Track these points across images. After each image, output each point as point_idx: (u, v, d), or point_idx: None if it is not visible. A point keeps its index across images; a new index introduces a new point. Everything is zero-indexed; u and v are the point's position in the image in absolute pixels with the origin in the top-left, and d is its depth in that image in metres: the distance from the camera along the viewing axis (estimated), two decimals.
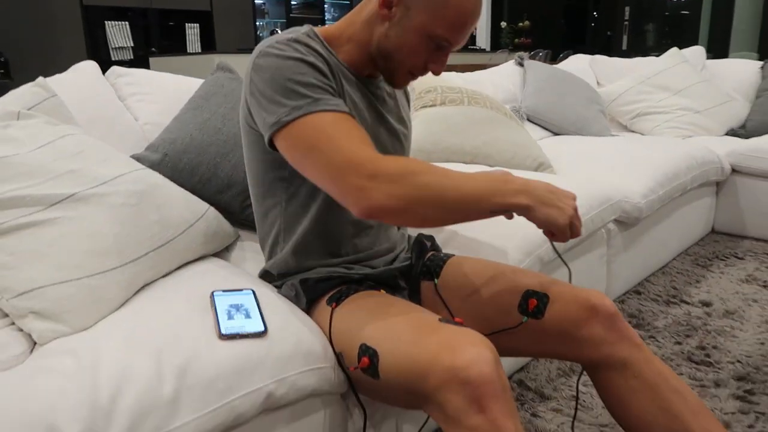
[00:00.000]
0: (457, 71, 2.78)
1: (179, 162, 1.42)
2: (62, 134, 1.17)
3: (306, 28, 1.08)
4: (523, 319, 1.07)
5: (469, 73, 2.80)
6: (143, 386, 0.81)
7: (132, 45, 6.38)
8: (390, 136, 1.18)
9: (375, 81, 1.16)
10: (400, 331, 0.92)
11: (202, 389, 0.85)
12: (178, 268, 1.21)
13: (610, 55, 3.50)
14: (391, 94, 1.22)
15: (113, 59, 6.20)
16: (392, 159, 0.94)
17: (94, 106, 1.51)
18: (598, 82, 3.33)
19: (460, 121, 2.09)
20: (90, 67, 1.62)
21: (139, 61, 6.30)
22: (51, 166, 1.07)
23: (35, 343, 0.94)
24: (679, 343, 1.74)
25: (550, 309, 1.06)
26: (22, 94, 1.23)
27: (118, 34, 6.30)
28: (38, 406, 0.75)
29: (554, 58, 4.86)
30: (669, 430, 1.01)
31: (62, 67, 1.60)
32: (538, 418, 1.41)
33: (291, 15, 8.28)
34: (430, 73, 2.07)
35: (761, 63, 3.22)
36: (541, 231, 1.11)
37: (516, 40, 6.37)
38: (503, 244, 1.44)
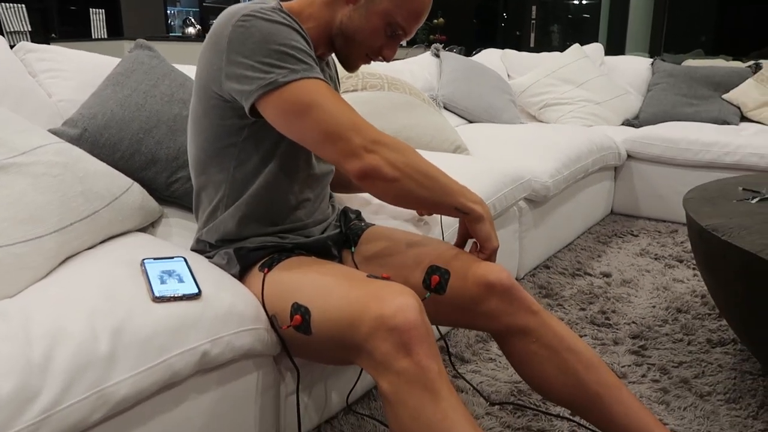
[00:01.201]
0: None
1: (100, 137, 1.39)
2: None
3: (274, 2, 1.08)
4: (426, 294, 1.13)
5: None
6: (78, 344, 0.81)
7: (30, 29, 5.98)
8: None
9: (321, 63, 1.20)
10: (331, 288, 0.97)
11: (138, 347, 0.86)
12: (104, 241, 1.20)
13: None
14: (333, 77, 1.27)
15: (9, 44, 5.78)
16: (387, 134, 1.01)
17: (1, 81, 1.44)
18: (508, 75, 3.51)
19: (381, 105, 2.16)
20: None
21: None
22: None
23: None
24: (584, 309, 1.90)
25: (450, 285, 1.11)
26: None
27: (14, 17, 5.88)
28: None
29: (468, 55, 5.05)
30: (565, 385, 1.11)
31: None
32: (459, 378, 1.51)
33: (204, 4, 8.05)
34: None
35: (651, 60, 3.53)
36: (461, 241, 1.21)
37: (431, 36, 6.55)
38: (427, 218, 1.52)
